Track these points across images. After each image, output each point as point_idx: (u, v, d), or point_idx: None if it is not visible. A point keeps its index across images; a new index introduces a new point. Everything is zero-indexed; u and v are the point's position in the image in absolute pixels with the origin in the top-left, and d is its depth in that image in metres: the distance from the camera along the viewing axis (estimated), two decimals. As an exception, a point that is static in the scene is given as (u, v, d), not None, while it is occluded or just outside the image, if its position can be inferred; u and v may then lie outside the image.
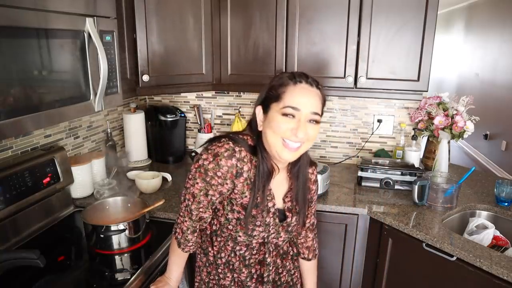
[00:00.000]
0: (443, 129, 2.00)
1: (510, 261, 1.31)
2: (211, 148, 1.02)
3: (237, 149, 1.00)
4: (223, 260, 1.15)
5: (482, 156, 5.57)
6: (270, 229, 1.09)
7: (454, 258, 1.42)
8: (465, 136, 1.98)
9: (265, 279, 1.15)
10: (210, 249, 1.16)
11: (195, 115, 2.47)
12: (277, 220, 1.10)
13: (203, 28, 1.97)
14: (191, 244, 1.13)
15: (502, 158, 4.97)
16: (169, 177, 1.99)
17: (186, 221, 1.09)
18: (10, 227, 1.39)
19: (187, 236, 1.11)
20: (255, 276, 1.17)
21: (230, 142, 1.01)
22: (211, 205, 1.06)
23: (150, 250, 1.40)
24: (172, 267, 1.18)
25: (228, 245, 1.12)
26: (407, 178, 1.91)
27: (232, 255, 1.13)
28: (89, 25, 1.24)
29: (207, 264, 1.20)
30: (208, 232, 1.15)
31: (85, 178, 1.75)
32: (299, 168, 1.11)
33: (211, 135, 2.37)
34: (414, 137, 2.13)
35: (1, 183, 1.33)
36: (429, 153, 2.21)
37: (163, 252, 1.42)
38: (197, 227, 1.11)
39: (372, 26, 1.84)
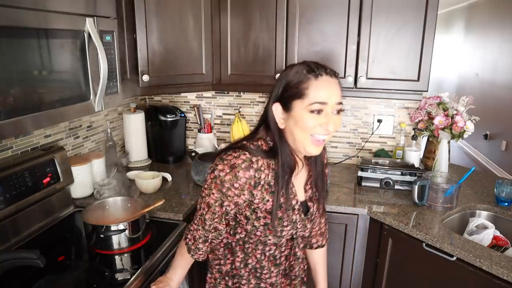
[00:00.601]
0: (443, 129, 2.00)
1: (510, 261, 1.31)
2: (226, 158, 0.98)
3: (254, 159, 0.97)
4: (250, 266, 1.11)
5: (482, 156, 5.57)
6: (298, 225, 1.09)
7: (454, 258, 1.42)
8: (465, 136, 1.98)
9: (295, 273, 1.17)
10: (232, 258, 1.12)
11: (195, 115, 2.47)
12: (302, 215, 1.09)
13: (203, 28, 1.97)
14: (201, 252, 1.12)
15: (502, 158, 4.97)
16: (169, 177, 1.99)
17: (199, 229, 1.08)
18: (10, 227, 1.39)
19: (198, 245, 1.10)
20: (282, 273, 1.16)
21: (246, 153, 0.98)
22: (225, 215, 1.04)
23: (150, 250, 1.40)
24: (177, 270, 1.17)
25: (258, 248, 1.09)
26: (407, 178, 1.91)
27: (262, 257, 1.10)
28: (89, 25, 1.24)
29: (226, 277, 1.15)
30: (230, 241, 1.11)
31: (85, 178, 1.75)
32: (319, 156, 1.09)
33: (211, 135, 2.38)
34: (414, 137, 2.13)
35: (1, 183, 1.33)
36: (429, 153, 2.21)
37: (163, 252, 1.41)
38: (209, 237, 1.08)
39: (372, 26, 1.84)
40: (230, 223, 1.07)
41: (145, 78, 1.82)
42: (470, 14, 6.53)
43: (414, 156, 2.08)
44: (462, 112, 1.98)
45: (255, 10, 1.94)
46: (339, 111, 0.97)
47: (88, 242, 1.42)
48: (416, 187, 1.72)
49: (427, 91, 1.92)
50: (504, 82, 4.96)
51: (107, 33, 1.35)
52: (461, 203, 1.77)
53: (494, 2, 5.43)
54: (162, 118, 2.25)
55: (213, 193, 1.00)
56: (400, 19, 1.82)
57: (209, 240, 1.10)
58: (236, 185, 0.98)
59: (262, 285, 1.14)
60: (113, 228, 1.35)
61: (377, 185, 1.95)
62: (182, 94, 2.49)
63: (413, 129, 2.22)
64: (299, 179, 1.09)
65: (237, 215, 1.05)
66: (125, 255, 1.38)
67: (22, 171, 1.42)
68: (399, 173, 1.93)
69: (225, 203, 1.01)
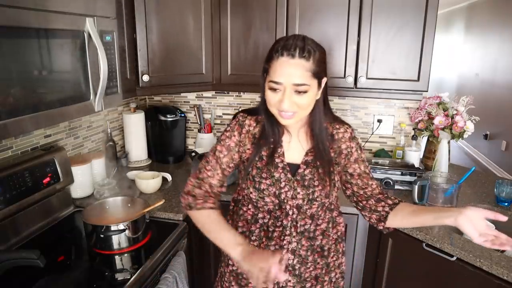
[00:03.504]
0: (443, 129, 2.00)
1: (510, 261, 1.31)
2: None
3: (250, 116, 1.15)
4: (239, 230, 1.17)
5: (482, 156, 5.57)
6: (282, 185, 1.10)
7: (454, 258, 1.42)
8: (465, 136, 1.98)
9: (287, 247, 1.12)
10: (231, 218, 1.23)
11: (195, 115, 2.47)
12: (289, 175, 1.11)
13: (203, 28, 1.97)
14: (200, 198, 1.11)
15: (502, 158, 4.96)
16: (169, 177, 1.99)
17: (191, 180, 1.16)
18: (10, 227, 1.39)
19: (193, 192, 1.12)
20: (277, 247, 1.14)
21: (245, 113, 1.16)
22: (220, 166, 1.13)
23: (150, 250, 1.40)
24: (224, 235, 1.05)
25: (250, 209, 1.15)
26: (407, 178, 1.91)
27: (253, 221, 1.14)
28: (89, 25, 1.24)
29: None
30: (234, 213, 1.22)
31: (85, 178, 1.75)
32: (315, 127, 1.10)
33: (211, 135, 2.38)
34: (414, 137, 2.13)
35: (1, 183, 1.33)
36: (429, 153, 2.21)
37: (163, 252, 1.41)
38: (201, 184, 1.14)
39: (372, 26, 1.84)
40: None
41: (145, 78, 1.82)
42: (470, 14, 6.53)
43: (414, 156, 2.08)
44: (462, 112, 1.98)
45: (255, 11, 1.94)
46: (301, 92, 0.99)
47: (88, 242, 1.42)
48: (416, 187, 1.72)
49: (427, 91, 1.91)
50: (504, 82, 4.95)
51: (107, 33, 1.35)
52: (461, 203, 1.77)
53: (494, 2, 5.43)
54: (162, 118, 2.25)
55: (212, 149, 1.17)
56: (400, 19, 1.82)
57: (203, 188, 1.13)
58: (228, 128, 1.16)
59: None
60: (113, 228, 1.35)
61: (377, 185, 1.94)
62: (182, 94, 2.49)
63: (413, 129, 2.22)
64: (294, 143, 1.14)
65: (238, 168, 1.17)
66: (125, 255, 1.38)
67: (22, 171, 1.42)
68: (399, 173, 1.93)
69: (218, 148, 1.14)
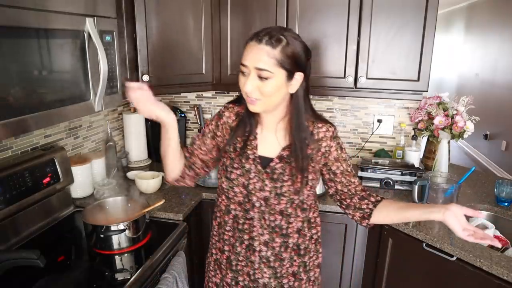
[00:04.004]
0: (443, 129, 2.00)
1: (510, 261, 1.31)
2: None
3: (231, 105, 1.21)
4: (218, 220, 1.23)
5: (482, 156, 5.57)
6: (251, 175, 1.12)
7: (454, 258, 1.42)
8: (465, 136, 1.98)
9: (259, 239, 1.15)
10: (215, 224, 1.26)
11: (195, 115, 2.47)
12: (259, 167, 1.13)
13: (203, 28, 1.97)
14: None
15: (502, 158, 4.96)
16: (169, 177, 1.99)
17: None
18: (10, 227, 1.39)
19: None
20: (246, 243, 1.17)
21: (230, 103, 1.22)
22: (204, 142, 1.21)
23: (150, 250, 1.40)
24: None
25: (224, 200, 1.19)
26: (407, 178, 1.91)
27: (226, 211, 1.18)
28: (89, 25, 1.24)
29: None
30: (216, 205, 1.25)
31: (85, 178, 1.75)
32: (293, 123, 1.12)
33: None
34: (414, 137, 2.13)
35: (1, 183, 1.33)
36: (429, 153, 2.21)
37: (163, 252, 1.41)
38: (186, 154, 1.22)
39: (372, 26, 1.84)
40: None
41: (145, 78, 1.82)
42: (470, 14, 6.53)
43: (414, 156, 2.08)
44: (462, 112, 1.98)
45: (255, 11, 1.94)
46: (263, 78, 1.01)
47: (88, 242, 1.42)
48: (416, 187, 1.72)
49: (427, 91, 1.91)
50: (504, 82, 4.95)
51: (107, 33, 1.35)
52: (461, 203, 1.76)
53: (494, 2, 5.43)
54: (162, 118, 2.24)
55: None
56: (400, 19, 1.82)
57: (186, 162, 1.22)
58: (211, 119, 1.24)
59: (226, 248, 1.21)
60: (113, 228, 1.35)
61: (377, 185, 1.95)
62: (182, 94, 2.49)
63: (413, 129, 2.22)
64: (270, 137, 1.16)
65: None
66: (125, 255, 1.38)
67: (22, 171, 1.42)
68: (399, 173, 1.93)
69: (203, 129, 1.24)
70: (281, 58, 1.01)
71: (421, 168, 1.98)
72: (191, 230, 1.63)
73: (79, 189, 1.74)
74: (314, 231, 1.23)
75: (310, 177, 1.14)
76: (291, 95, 1.10)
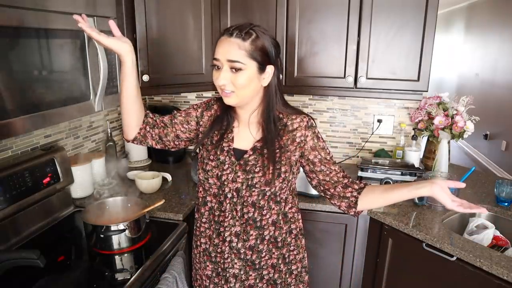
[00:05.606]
0: (443, 129, 2.00)
1: (510, 261, 1.31)
2: None
3: (215, 100, 1.26)
4: (201, 210, 1.23)
5: (482, 156, 5.57)
6: (225, 167, 1.15)
7: (454, 258, 1.42)
8: (465, 136, 1.98)
9: (230, 230, 1.16)
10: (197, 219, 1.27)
11: (195, 115, 2.47)
12: (233, 159, 1.15)
13: (203, 28, 1.97)
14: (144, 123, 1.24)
15: (502, 158, 4.97)
16: (169, 177, 1.99)
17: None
18: (10, 227, 1.39)
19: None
20: (222, 235, 1.18)
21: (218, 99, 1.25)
22: (187, 121, 1.24)
23: (150, 250, 1.40)
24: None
25: (200, 191, 1.22)
26: (407, 178, 1.91)
27: (203, 203, 1.21)
28: (89, 25, 1.24)
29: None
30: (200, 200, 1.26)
31: (85, 178, 1.75)
32: (265, 115, 1.15)
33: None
34: (414, 137, 2.13)
35: (1, 183, 1.33)
36: (429, 153, 2.21)
37: (163, 252, 1.42)
38: (155, 122, 1.25)
39: (372, 26, 1.84)
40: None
41: (145, 78, 1.81)
42: (470, 14, 6.53)
43: (414, 156, 2.08)
44: (462, 112, 1.98)
45: (255, 11, 1.94)
46: (236, 70, 1.05)
47: (88, 242, 1.42)
48: (416, 187, 1.72)
49: (427, 91, 1.91)
50: (504, 82, 4.95)
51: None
52: (461, 203, 1.77)
53: (494, 2, 5.43)
54: (162, 118, 2.25)
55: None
56: (400, 19, 1.82)
57: (150, 124, 1.25)
58: (199, 105, 1.27)
59: (202, 240, 1.24)
60: (113, 228, 1.35)
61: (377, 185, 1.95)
62: (182, 94, 2.49)
63: (413, 129, 2.22)
64: (244, 130, 1.19)
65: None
66: (125, 255, 1.38)
67: (22, 171, 1.42)
68: (399, 173, 1.93)
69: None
70: (251, 50, 1.05)
71: (421, 168, 1.98)
72: (191, 230, 1.63)
73: (79, 189, 1.74)
74: (293, 226, 1.24)
75: (283, 169, 1.14)
76: (264, 88, 1.13)
